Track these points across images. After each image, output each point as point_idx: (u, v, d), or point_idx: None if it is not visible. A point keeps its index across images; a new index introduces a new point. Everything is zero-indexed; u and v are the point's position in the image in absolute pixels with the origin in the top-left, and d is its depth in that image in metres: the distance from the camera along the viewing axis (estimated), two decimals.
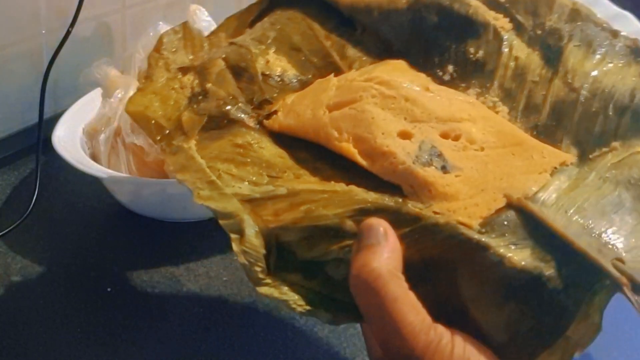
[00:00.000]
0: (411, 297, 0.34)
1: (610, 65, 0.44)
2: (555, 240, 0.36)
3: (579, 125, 0.43)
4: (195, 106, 0.46)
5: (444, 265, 0.36)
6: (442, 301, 0.36)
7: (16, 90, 0.77)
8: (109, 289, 0.59)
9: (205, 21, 0.75)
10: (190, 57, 0.51)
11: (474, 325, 0.36)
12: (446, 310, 0.36)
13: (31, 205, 0.67)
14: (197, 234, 0.67)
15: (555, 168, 0.40)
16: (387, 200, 0.39)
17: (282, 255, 0.39)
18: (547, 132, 0.43)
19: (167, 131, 0.45)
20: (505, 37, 0.46)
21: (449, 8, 0.48)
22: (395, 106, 0.42)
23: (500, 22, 0.47)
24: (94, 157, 0.68)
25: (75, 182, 0.72)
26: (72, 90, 0.76)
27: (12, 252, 0.63)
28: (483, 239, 0.36)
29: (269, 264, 0.38)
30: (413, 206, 0.38)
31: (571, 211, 0.38)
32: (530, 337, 0.35)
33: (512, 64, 0.46)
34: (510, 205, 0.37)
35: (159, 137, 0.46)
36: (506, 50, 0.46)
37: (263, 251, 0.38)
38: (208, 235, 0.66)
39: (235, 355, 0.53)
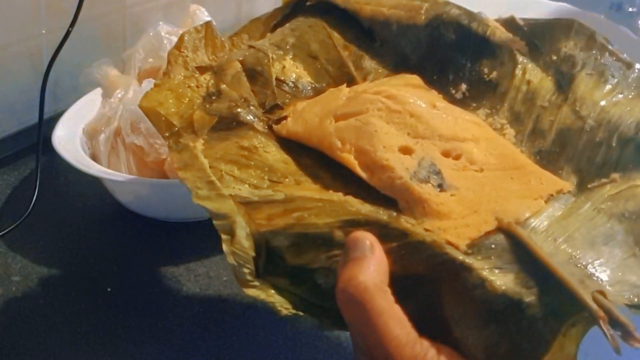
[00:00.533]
0: (397, 310, 0.34)
1: (621, 96, 0.44)
2: (540, 267, 0.36)
3: (582, 154, 0.43)
4: (207, 106, 0.47)
5: (428, 282, 0.36)
6: (426, 317, 0.36)
7: (16, 90, 0.77)
8: (109, 289, 0.59)
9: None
10: (211, 56, 0.52)
11: (455, 342, 0.36)
12: (430, 326, 0.35)
13: (31, 205, 0.67)
14: (197, 234, 0.67)
15: (552, 195, 0.40)
16: (381, 214, 0.39)
17: (271, 259, 0.39)
18: (549, 158, 0.43)
19: (176, 129, 0.46)
20: (520, 59, 0.47)
21: (467, 27, 0.49)
22: (399, 121, 0.43)
23: (517, 44, 0.48)
24: (94, 157, 0.68)
25: (75, 182, 0.72)
26: (72, 90, 0.76)
27: (12, 252, 0.63)
28: (467, 260, 0.36)
29: (258, 266, 0.39)
30: (405, 221, 0.38)
31: (560, 239, 0.37)
32: None
33: (524, 87, 0.46)
34: (500, 228, 0.37)
35: (167, 134, 0.46)
36: (519, 72, 0.46)
37: (252, 254, 0.39)
38: (208, 235, 0.66)
39: (235, 355, 0.53)
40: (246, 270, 0.38)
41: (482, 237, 0.37)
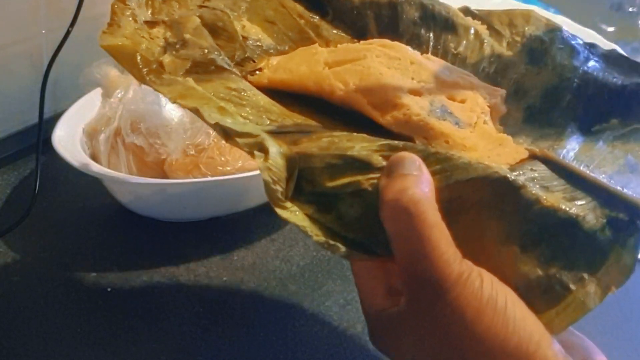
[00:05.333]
0: (445, 228, 0.34)
1: (596, 64, 0.47)
2: (586, 185, 0.36)
3: (576, 105, 0.45)
4: (174, 52, 0.43)
5: (472, 204, 0.36)
6: (466, 241, 0.35)
7: (16, 90, 0.77)
8: (108, 289, 0.59)
9: None
10: (152, 17, 0.47)
11: (494, 270, 0.35)
12: (469, 251, 0.35)
13: (31, 206, 0.67)
14: (197, 234, 0.67)
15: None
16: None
17: (298, 184, 0.37)
18: (540, 112, 0.45)
19: (155, 65, 0.42)
20: (486, 39, 0.48)
21: (430, 7, 0.50)
22: (401, 67, 0.42)
23: (479, 26, 0.49)
24: (94, 157, 0.68)
25: (75, 182, 0.72)
26: (72, 90, 0.75)
27: (11, 252, 0.63)
28: (519, 179, 0.35)
29: (287, 189, 0.36)
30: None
31: (592, 166, 0.39)
32: (560, 278, 0.35)
33: (495, 60, 0.48)
34: (534, 156, 0.38)
35: (146, 70, 0.41)
36: (488, 48, 0.48)
37: (285, 173, 0.36)
38: (208, 235, 0.66)
39: (235, 355, 0.53)
40: (279, 188, 0.35)
41: (519, 163, 0.38)
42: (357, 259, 0.38)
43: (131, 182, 0.65)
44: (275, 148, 0.36)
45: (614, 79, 0.45)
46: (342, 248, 0.36)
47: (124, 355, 0.53)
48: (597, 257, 0.35)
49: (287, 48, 0.47)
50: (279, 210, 0.35)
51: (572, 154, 0.40)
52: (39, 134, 0.72)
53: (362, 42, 0.47)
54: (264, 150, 0.36)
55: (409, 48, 0.45)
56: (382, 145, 0.36)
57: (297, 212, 0.36)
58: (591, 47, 0.48)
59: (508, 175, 0.35)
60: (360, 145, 0.36)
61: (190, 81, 0.40)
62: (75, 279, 0.61)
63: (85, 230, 0.67)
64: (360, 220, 0.36)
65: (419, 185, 0.34)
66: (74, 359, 0.53)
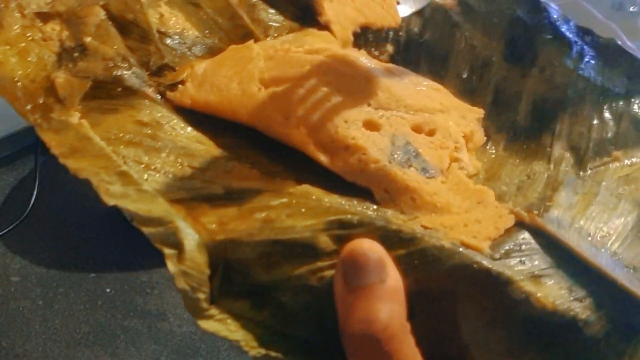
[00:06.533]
0: (419, 356, 0.27)
1: (592, 62, 0.39)
2: (584, 271, 0.29)
3: (571, 129, 0.36)
4: (71, 66, 0.34)
5: (444, 299, 0.29)
6: (436, 342, 0.29)
7: None
8: (108, 290, 0.59)
9: None
10: (42, 5, 0.37)
11: None
12: (440, 352, 0.29)
13: (30, 206, 0.67)
14: None
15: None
16: (365, 209, 0.30)
17: (226, 275, 0.29)
18: (529, 134, 0.36)
19: (41, 99, 0.33)
20: (456, 20, 0.40)
21: None
22: (354, 88, 0.34)
23: (448, 3, 0.40)
24: None
25: (74, 182, 0.71)
26: None
27: (11, 253, 0.63)
28: (506, 272, 0.28)
29: (212, 288, 0.29)
30: (394, 217, 0.30)
31: (597, 236, 0.31)
32: None
33: (468, 52, 0.39)
34: (521, 224, 0.30)
35: (29, 107, 0.32)
36: (459, 35, 0.39)
37: (208, 271, 0.28)
38: None
39: (235, 355, 0.53)
40: (201, 296, 0.28)
41: (504, 236, 0.30)
42: None
43: None
44: (192, 239, 0.28)
45: (616, 88, 0.38)
46: (278, 356, 0.29)
47: (123, 355, 0.53)
48: None
49: (216, 41, 0.38)
50: (202, 323, 0.28)
51: (568, 215, 0.32)
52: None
53: (306, 32, 0.39)
54: (177, 244, 0.28)
55: (363, 54, 0.37)
56: (330, 223, 0.29)
57: (228, 319, 0.29)
58: (585, 34, 0.40)
59: (492, 268, 0.28)
60: (303, 224, 0.29)
61: (84, 126, 0.31)
62: (75, 279, 0.61)
63: (85, 230, 0.67)
64: (305, 311, 0.29)
65: (386, 306, 0.27)
66: (74, 359, 0.53)
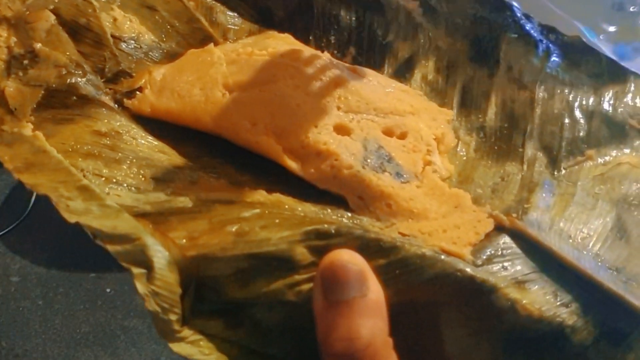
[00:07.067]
0: None
1: (558, 60, 0.38)
2: (567, 274, 0.29)
3: (543, 129, 0.36)
4: (21, 74, 0.32)
5: (427, 309, 0.28)
6: (419, 354, 0.28)
7: None
8: (108, 290, 0.59)
9: None
10: None
11: None
12: None
13: (30, 206, 0.67)
14: None
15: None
16: (340, 217, 0.29)
17: (198, 291, 0.28)
18: (499, 135, 0.35)
19: None
20: (419, 21, 0.39)
21: None
22: (323, 92, 0.33)
23: (410, 4, 0.39)
24: None
25: None
26: None
27: (10, 253, 0.63)
28: (490, 280, 0.27)
29: (184, 308, 0.27)
30: (370, 224, 0.29)
31: (578, 238, 0.30)
32: None
33: (433, 53, 0.38)
34: (501, 228, 0.29)
35: None
36: (423, 37, 0.38)
37: (179, 291, 0.26)
38: None
39: None
40: (173, 317, 0.26)
41: (484, 241, 0.29)
42: None
43: None
44: (162, 257, 0.26)
45: (585, 86, 0.37)
46: None
47: (123, 355, 0.53)
48: None
49: (174, 45, 0.36)
50: (174, 346, 0.26)
51: (547, 217, 0.31)
52: None
53: (267, 35, 0.38)
54: (146, 262, 0.26)
55: (327, 56, 0.35)
56: (307, 234, 0.27)
57: (201, 341, 0.27)
58: (549, 32, 0.39)
59: (476, 275, 0.27)
60: (279, 236, 0.27)
61: (39, 138, 0.29)
62: (75, 280, 0.61)
63: (84, 230, 0.67)
64: (283, 328, 0.27)
65: (368, 321, 0.25)
66: (74, 359, 0.53)
